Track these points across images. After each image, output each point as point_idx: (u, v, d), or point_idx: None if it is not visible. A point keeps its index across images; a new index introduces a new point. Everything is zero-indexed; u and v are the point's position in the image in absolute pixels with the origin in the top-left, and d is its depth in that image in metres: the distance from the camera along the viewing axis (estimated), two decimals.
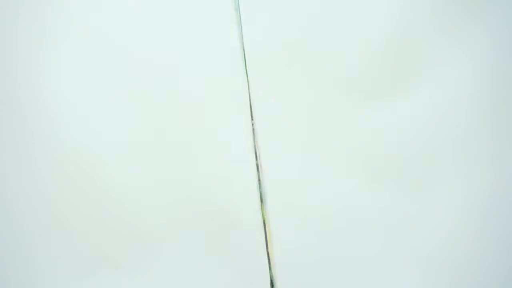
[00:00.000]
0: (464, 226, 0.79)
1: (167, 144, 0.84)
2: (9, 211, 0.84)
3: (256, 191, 0.69)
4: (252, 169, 0.72)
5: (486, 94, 0.79)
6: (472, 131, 0.79)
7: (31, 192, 0.84)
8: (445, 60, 0.80)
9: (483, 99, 0.79)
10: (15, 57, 0.84)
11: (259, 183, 0.50)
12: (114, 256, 0.83)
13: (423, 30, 0.81)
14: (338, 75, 0.82)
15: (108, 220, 0.84)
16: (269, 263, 0.47)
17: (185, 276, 0.84)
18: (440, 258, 0.78)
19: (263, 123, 0.74)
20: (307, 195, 0.75)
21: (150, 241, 0.84)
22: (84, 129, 0.86)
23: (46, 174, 0.84)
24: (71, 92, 0.85)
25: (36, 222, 0.84)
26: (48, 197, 0.84)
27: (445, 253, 0.78)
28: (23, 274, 0.81)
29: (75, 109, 0.85)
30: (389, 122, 0.82)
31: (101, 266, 0.83)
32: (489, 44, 0.79)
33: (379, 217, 0.81)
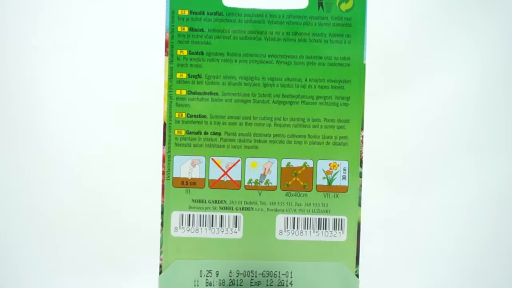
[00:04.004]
0: (464, 226, 0.80)
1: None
2: (8, 211, 0.81)
3: None
4: None
5: (487, 94, 0.81)
6: (473, 131, 0.80)
7: (30, 192, 0.81)
8: (445, 60, 0.80)
9: (484, 99, 0.81)
10: (10, 58, 0.81)
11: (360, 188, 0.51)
12: (114, 256, 0.81)
13: (423, 30, 0.81)
14: None
15: (108, 220, 0.82)
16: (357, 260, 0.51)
17: None
18: (440, 258, 0.79)
19: None
20: None
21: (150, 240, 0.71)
22: (83, 128, 0.82)
23: (45, 174, 0.81)
24: (67, 92, 0.82)
25: (35, 222, 0.81)
26: (47, 197, 0.81)
27: (445, 253, 0.79)
28: (23, 274, 0.78)
29: (71, 108, 0.82)
30: (389, 122, 0.80)
31: (101, 266, 0.80)
32: (489, 44, 0.81)
33: (379, 216, 0.79)
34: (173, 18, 0.51)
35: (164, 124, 0.51)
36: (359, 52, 0.51)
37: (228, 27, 0.51)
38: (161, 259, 0.51)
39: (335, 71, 0.51)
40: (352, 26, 0.51)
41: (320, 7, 0.51)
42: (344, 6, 0.51)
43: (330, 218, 0.52)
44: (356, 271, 0.52)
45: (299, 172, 0.52)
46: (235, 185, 0.52)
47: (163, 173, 0.51)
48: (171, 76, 0.51)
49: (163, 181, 0.51)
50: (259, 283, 0.52)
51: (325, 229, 0.52)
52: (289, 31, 0.51)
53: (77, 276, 0.80)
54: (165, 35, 0.51)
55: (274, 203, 0.52)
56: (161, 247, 0.52)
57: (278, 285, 0.52)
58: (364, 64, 0.51)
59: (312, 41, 0.51)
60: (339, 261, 0.52)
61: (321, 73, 0.51)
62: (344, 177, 0.52)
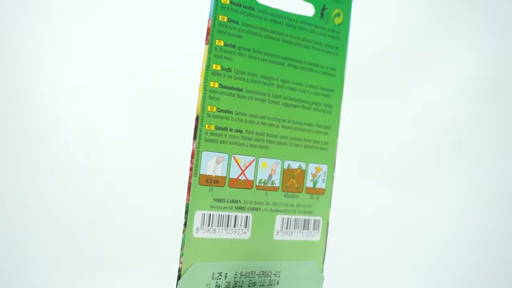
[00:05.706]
0: (464, 225, 0.79)
1: (169, 141, 0.78)
2: (8, 210, 0.80)
3: None
4: None
5: (485, 95, 0.81)
6: (471, 132, 0.80)
7: (30, 192, 0.81)
8: (445, 61, 0.81)
9: (482, 100, 0.81)
10: (14, 55, 0.82)
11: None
12: (114, 256, 0.81)
13: (422, 31, 0.81)
14: None
15: (107, 220, 0.82)
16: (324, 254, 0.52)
17: None
18: (439, 257, 0.79)
19: None
20: None
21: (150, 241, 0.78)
22: (82, 128, 0.84)
23: (45, 174, 0.81)
24: (68, 89, 0.84)
25: (35, 222, 0.80)
26: (47, 197, 0.81)
27: (444, 253, 0.79)
28: (23, 274, 0.77)
29: (72, 107, 0.84)
30: (389, 122, 0.81)
31: (101, 266, 0.80)
32: (489, 45, 0.81)
33: (379, 216, 0.78)
34: (217, 6, 0.48)
35: (197, 117, 0.48)
36: (342, 64, 0.56)
37: (257, 24, 0.50)
38: (180, 262, 0.48)
39: (325, 80, 0.54)
40: (340, 40, 0.55)
41: (322, 18, 0.54)
42: (337, 20, 0.55)
43: (312, 218, 0.55)
44: (321, 269, 0.56)
45: (295, 174, 0.54)
46: (249, 184, 0.51)
47: (191, 169, 0.48)
48: (208, 66, 0.48)
49: (190, 177, 0.48)
50: (255, 283, 0.52)
51: (307, 229, 0.55)
52: (299, 36, 0.53)
53: (86, 275, 0.78)
54: (208, 22, 0.48)
55: (276, 204, 0.52)
56: (182, 249, 0.48)
57: (268, 285, 0.53)
58: (344, 76, 0.56)
59: (313, 48, 0.54)
60: (313, 260, 0.55)
61: (316, 80, 0.54)
62: (323, 180, 0.55)
